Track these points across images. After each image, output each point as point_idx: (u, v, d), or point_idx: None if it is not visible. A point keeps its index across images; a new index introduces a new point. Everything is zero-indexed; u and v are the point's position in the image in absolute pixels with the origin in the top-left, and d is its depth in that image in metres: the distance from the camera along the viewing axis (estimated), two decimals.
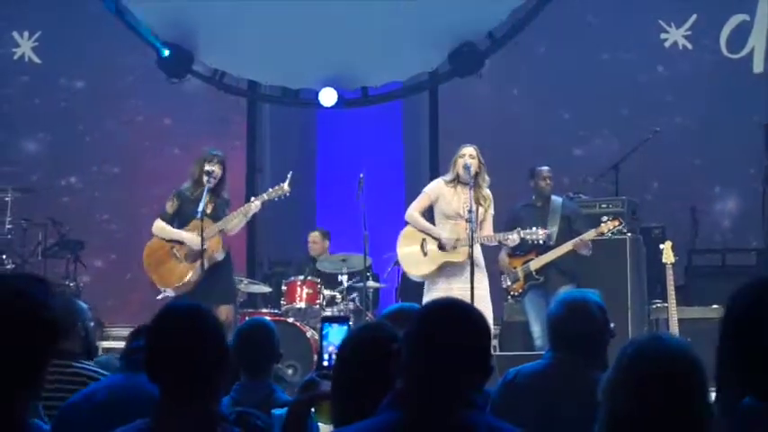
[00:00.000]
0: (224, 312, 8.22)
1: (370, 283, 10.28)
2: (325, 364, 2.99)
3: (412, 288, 9.44)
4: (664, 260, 8.89)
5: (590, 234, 8.84)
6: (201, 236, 8.31)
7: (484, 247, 8.54)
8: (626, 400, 2.42)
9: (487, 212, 8.46)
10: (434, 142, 12.11)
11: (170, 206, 8.70)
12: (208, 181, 8.42)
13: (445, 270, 8.38)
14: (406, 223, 8.69)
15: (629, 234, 9.61)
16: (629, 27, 12.00)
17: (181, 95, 12.23)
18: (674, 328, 8.66)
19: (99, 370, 4.83)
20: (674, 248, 8.94)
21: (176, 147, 11.87)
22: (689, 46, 11.87)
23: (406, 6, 11.11)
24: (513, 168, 10.15)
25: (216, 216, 8.51)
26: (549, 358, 4.18)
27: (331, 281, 10.32)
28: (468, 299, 7.59)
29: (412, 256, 8.58)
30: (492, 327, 8.44)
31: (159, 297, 8.70)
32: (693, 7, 11.85)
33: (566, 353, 4.10)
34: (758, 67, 11.76)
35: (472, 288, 7.93)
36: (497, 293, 8.83)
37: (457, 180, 8.44)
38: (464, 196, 8.32)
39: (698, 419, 2.43)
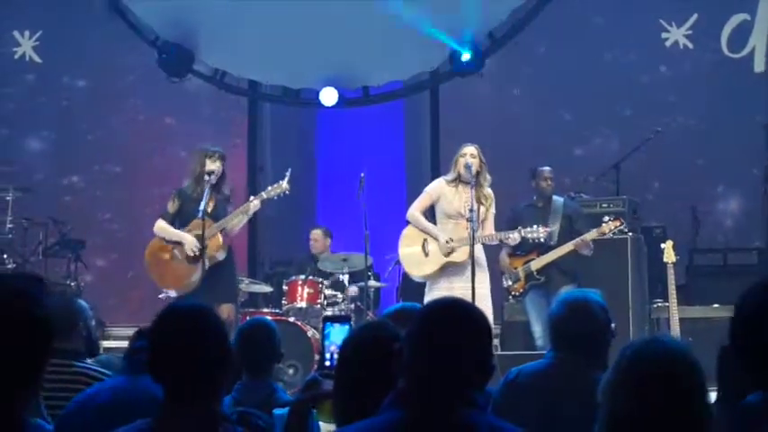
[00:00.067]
0: (226, 311, 8.20)
1: (372, 283, 10.28)
2: (327, 363, 2.99)
3: (413, 288, 9.44)
4: (665, 260, 8.89)
5: (591, 234, 8.83)
6: (203, 235, 8.30)
7: (485, 247, 8.54)
8: (625, 401, 2.42)
9: (489, 211, 8.46)
10: (435, 142, 12.12)
11: (171, 205, 8.67)
12: (209, 179, 8.40)
13: (447, 270, 8.39)
14: (408, 223, 8.69)
15: (631, 234, 9.60)
16: (630, 27, 11.99)
17: (183, 95, 12.24)
18: (675, 328, 8.66)
19: (101, 369, 4.84)
20: (675, 248, 8.94)
21: (178, 146, 11.87)
22: (690, 45, 11.87)
23: (408, 6, 11.12)
24: (514, 168, 10.16)
25: (217, 215, 8.49)
26: (550, 358, 4.18)
27: (334, 282, 10.34)
28: (469, 298, 7.59)
29: (413, 256, 8.58)
30: (493, 326, 8.49)
31: (161, 296, 8.71)
32: (694, 7, 11.85)
33: (567, 353, 4.10)
34: (759, 67, 11.76)
35: (473, 287, 7.93)
36: (498, 293, 8.83)
37: (458, 179, 8.44)
38: (465, 195, 8.32)
39: (697, 420, 2.44)
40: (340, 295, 10.14)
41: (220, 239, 8.48)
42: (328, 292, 10.11)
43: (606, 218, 9.03)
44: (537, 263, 8.94)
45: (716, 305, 10.03)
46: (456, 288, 8.16)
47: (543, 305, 8.68)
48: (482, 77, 11.34)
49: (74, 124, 12.55)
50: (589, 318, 4.12)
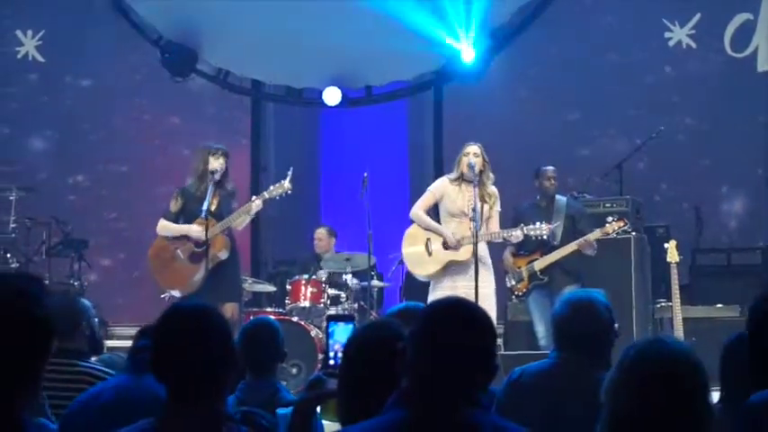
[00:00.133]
0: (229, 310, 8.20)
1: (375, 283, 10.29)
2: (331, 362, 2.99)
3: (416, 287, 9.44)
4: (668, 259, 8.88)
5: (595, 234, 8.83)
6: (206, 235, 8.29)
7: (490, 245, 8.54)
8: (627, 401, 2.43)
9: (493, 209, 8.47)
10: (438, 141, 12.11)
11: (173, 205, 8.65)
12: (212, 177, 8.38)
13: (450, 269, 8.39)
14: (411, 222, 8.70)
15: (634, 233, 9.60)
16: (634, 27, 11.98)
17: (187, 94, 12.25)
18: (679, 328, 8.65)
19: (105, 369, 4.85)
20: (678, 248, 8.94)
21: (183, 145, 11.87)
22: (693, 45, 11.86)
23: (412, 5, 11.12)
24: (518, 168, 10.15)
25: (220, 213, 8.47)
26: (554, 358, 4.18)
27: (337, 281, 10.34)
28: (472, 297, 7.59)
29: (416, 255, 8.58)
30: (496, 325, 8.49)
31: (164, 296, 8.71)
32: (697, 6, 11.84)
33: (571, 352, 4.10)
34: (763, 66, 11.74)
35: (476, 286, 7.93)
36: (502, 293, 8.82)
37: (461, 178, 8.45)
38: (468, 194, 8.33)
39: (699, 420, 2.44)
40: (343, 294, 10.14)
41: (223, 239, 8.47)
42: (331, 291, 10.11)
43: (610, 218, 9.03)
44: (540, 263, 8.94)
45: (719, 305, 10.03)
46: (459, 287, 8.16)
47: (546, 305, 8.68)
48: (486, 77, 11.33)
49: (78, 123, 12.55)
50: (593, 318, 4.12)
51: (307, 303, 9.98)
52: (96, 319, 5.34)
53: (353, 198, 9.83)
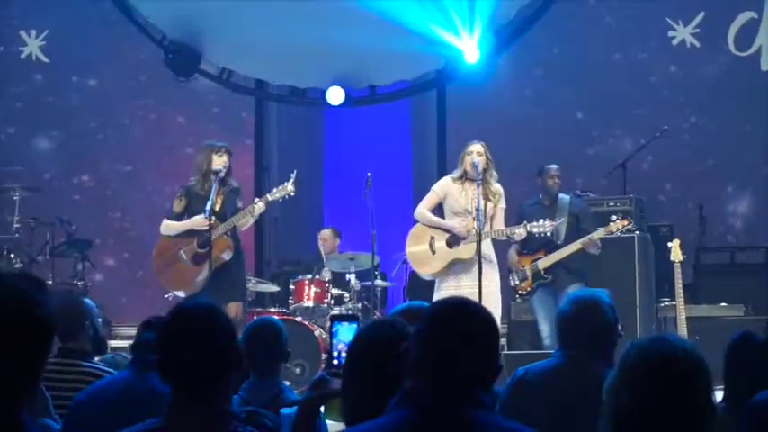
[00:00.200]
0: (233, 309, 8.20)
1: (378, 282, 10.29)
2: (335, 362, 2.99)
3: (420, 287, 9.45)
4: (672, 258, 8.89)
5: (599, 233, 8.83)
6: (210, 235, 8.28)
7: (495, 244, 8.54)
8: (630, 399, 2.42)
9: (497, 207, 8.47)
10: (442, 141, 12.11)
11: (177, 204, 8.65)
12: (216, 177, 8.37)
13: (454, 267, 8.40)
14: (415, 222, 8.70)
15: (638, 232, 9.60)
16: (638, 26, 11.98)
17: (192, 94, 12.25)
18: (682, 327, 8.66)
19: (108, 369, 4.87)
20: (682, 247, 8.94)
21: (188, 145, 11.88)
22: (697, 44, 11.85)
23: (416, 5, 11.12)
24: (522, 168, 10.14)
25: (224, 213, 8.46)
26: (559, 357, 4.18)
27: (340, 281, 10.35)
28: (476, 296, 7.60)
29: (421, 254, 8.60)
30: (500, 324, 8.50)
31: (168, 296, 8.71)
32: (701, 5, 11.83)
33: (576, 351, 4.11)
34: (766, 65, 11.73)
35: (480, 285, 7.93)
36: (506, 292, 8.82)
37: (464, 177, 8.46)
38: (472, 193, 8.34)
39: (702, 418, 2.43)
40: (347, 294, 10.15)
41: (225, 241, 8.45)
42: (335, 291, 10.12)
43: (614, 217, 9.03)
44: (544, 262, 8.94)
45: (723, 304, 10.03)
46: (464, 286, 8.18)
47: (551, 304, 8.69)
48: (490, 77, 11.33)
49: (82, 124, 12.56)
50: (598, 316, 4.13)
51: (310, 303, 9.99)
52: (100, 319, 5.35)
53: (357, 198, 9.83)
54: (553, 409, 3.99)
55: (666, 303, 9.93)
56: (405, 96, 12.33)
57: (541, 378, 4.15)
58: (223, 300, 7.89)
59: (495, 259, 8.46)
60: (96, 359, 5.15)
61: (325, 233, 11.15)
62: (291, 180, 8.50)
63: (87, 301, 5.48)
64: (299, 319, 9.72)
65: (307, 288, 10.03)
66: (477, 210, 8.13)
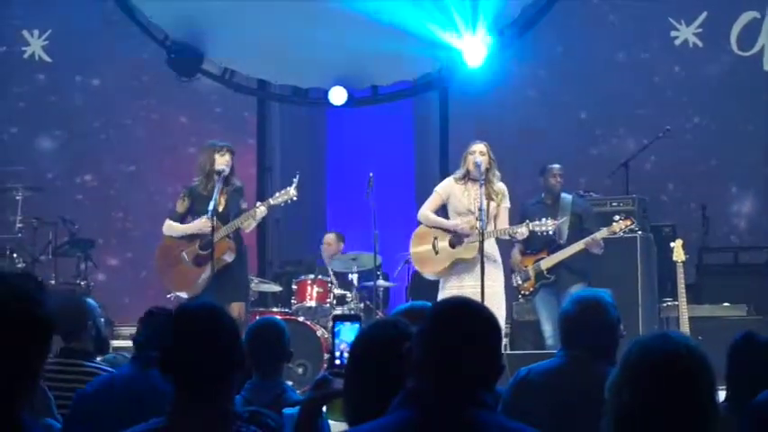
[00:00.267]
0: (236, 309, 8.18)
1: (381, 282, 10.29)
2: (337, 362, 2.99)
3: (422, 287, 9.44)
4: (674, 258, 8.88)
5: (602, 233, 8.83)
6: (212, 236, 8.26)
7: (499, 244, 8.54)
8: (631, 397, 2.42)
9: (500, 206, 8.47)
10: (444, 141, 12.11)
11: (180, 205, 8.64)
12: (218, 177, 8.36)
13: (457, 267, 8.40)
14: (419, 223, 8.71)
15: (640, 232, 9.60)
16: (641, 26, 11.96)
17: (195, 93, 12.26)
18: (685, 327, 8.64)
19: (111, 369, 4.87)
20: (685, 247, 8.93)
21: (191, 145, 11.89)
22: (699, 44, 11.83)
23: (418, 5, 11.12)
24: (525, 168, 10.14)
25: (227, 213, 8.45)
26: (562, 356, 4.18)
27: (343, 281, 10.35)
28: (479, 296, 7.60)
29: (424, 254, 8.60)
30: (504, 324, 8.51)
31: (169, 296, 8.70)
32: (704, 4, 11.81)
33: (578, 351, 4.11)
34: None
35: (482, 285, 7.93)
36: (508, 292, 8.82)
37: (467, 177, 8.46)
38: (474, 192, 8.34)
39: (704, 416, 2.43)
40: (349, 294, 10.15)
41: (227, 243, 8.43)
42: (337, 291, 10.12)
43: (617, 217, 9.03)
44: (547, 262, 8.94)
45: (726, 304, 10.02)
46: (466, 286, 8.17)
47: (554, 304, 8.69)
48: (492, 77, 11.33)
49: (85, 123, 12.57)
50: (601, 316, 4.13)
51: (313, 303, 9.99)
52: (103, 319, 5.36)
53: (359, 198, 9.83)
54: (556, 409, 3.98)
55: (669, 303, 9.92)
56: (407, 96, 12.34)
57: (544, 378, 4.15)
58: (226, 300, 7.88)
59: (499, 259, 8.46)
60: (98, 359, 5.16)
61: (330, 237, 11.15)
62: (294, 185, 8.47)
63: (90, 300, 5.49)
64: (301, 319, 9.72)
65: (309, 288, 10.03)
66: (480, 209, 8.12)
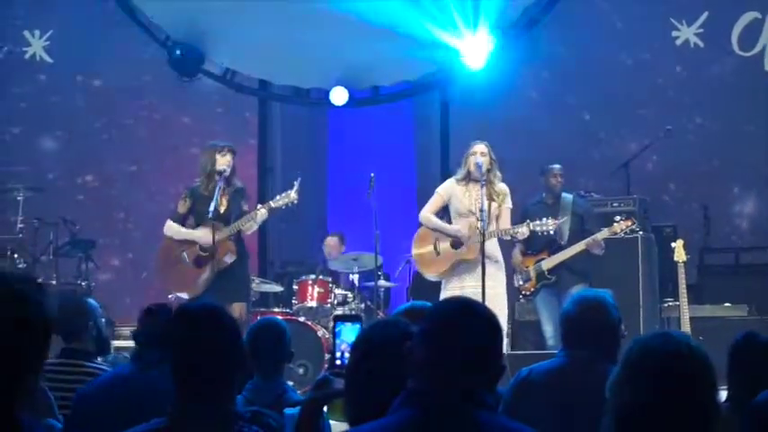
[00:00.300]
0: (237, 310, 8.17)
1: (381, 283, 10.29)
2: (338, 362, 2.99)
3: (423, 287, 9.44)
4: (675, 258, 8.88)
5: (603, 233, 8.83)
6: (213, 236, 8.26)
7: (501, 244, 8.53)
8: (632, 396, 2.42)
9: (502, 207, 8.47)
10: (445, 141, 12.11)
11: (181, 205, 8.63)
12: (220, 178, 8.36)
13: (458, 268, 8.40)
14: (420, 224, 8.71)
15: (641, 233, 9.59)
16: (642, 26, 11.95)
17: (196, 94, 12.26)
18: (686, 327, 8.64)
19: (111, 370, 4.86)
20: (685, 247, 8.93)
21: (192, 145, 11.89)
22: (701, 44, 11.83)
23: (419, 6, 11.12)
24: (526, 169, 10.12)
25: (229, 215, 8.45)
26: (563, 356, 4.18)
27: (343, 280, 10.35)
28: (480, 297, 7.60)
29: (426, 256, 8.61)
30: (505, 325, 8.50)
31: (170, 297, 8.70)
32: (705, 4, 11.81)
33: (579, 351, 4.11)
34: None
35: (483, 285, 7.93)
36: (510, 292, 8.81)
37: (468, 177, 8.46)
38: (476, 193, 8.34)
39: (705, 416, 2.43)
40: (350, 295, 10.16)
41: (228, 244, 8.42)
42: (338, 291, 10.12)
43: (618, 217, 9.03)
44: (548, 262, 8.94)
45: (727, 304, 10.02)
46: (467, 287, 8.18)
47: (555, 305, 8.69)
48: (493, 77, 11.32)
49: (87, 124, 12.56)
50: (602, 316, 4.13)
51: (314, 303, 10.00)
52: (104, 320, 5.36)
53: (360, 198, 9.83)
54: (556, 409, 3.98)
55: (670, 304, 9.91)
56: (408, 96, 12.35)
57: (545, 378, 4.15)
58: (227, 300, 7.88)
59: (501, 259, 8.46)
60: (99, 359, 5.16)
61: (331, 240, 11.16)
62: (295, 188, 8.44)
63: (91, 301, 5.49)
64: (302, 319, 9.72)
65: (310, 288, 10.04)
66: (481, 210, 8.12)
